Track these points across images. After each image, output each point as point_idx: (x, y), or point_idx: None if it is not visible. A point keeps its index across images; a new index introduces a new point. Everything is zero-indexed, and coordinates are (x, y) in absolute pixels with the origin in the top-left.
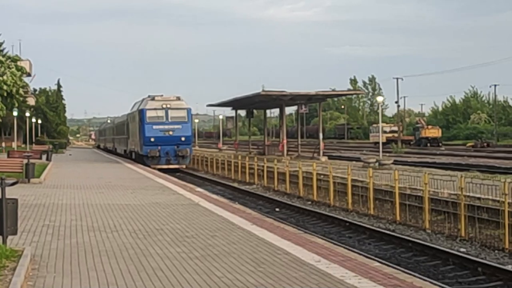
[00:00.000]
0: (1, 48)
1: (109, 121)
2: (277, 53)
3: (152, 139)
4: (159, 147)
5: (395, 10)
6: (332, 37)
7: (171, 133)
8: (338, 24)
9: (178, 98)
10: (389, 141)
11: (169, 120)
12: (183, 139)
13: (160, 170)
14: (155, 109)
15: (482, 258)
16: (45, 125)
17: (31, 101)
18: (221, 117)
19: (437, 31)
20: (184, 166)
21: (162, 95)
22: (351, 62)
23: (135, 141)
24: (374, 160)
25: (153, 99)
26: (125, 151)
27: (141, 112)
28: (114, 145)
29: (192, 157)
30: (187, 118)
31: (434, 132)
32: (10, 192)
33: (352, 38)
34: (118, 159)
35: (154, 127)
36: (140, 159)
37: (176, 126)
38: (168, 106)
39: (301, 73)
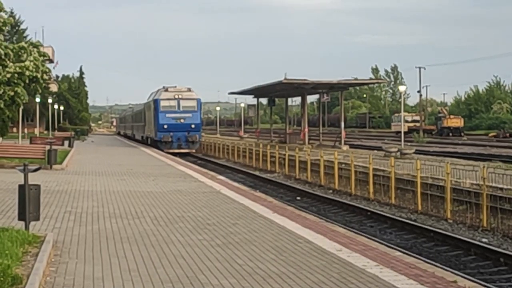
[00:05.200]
0: (24, 35)
1: (130, 107)
2: (297, 41)
3: (165, 126)
4: (172, 133)
5: None
6: (352, 26)
7: (182, 120)
8: (358, 13)
9: (189, 89)
10: (411, 130)
11: (181, 109)
12: (193, 126)
13: (172, 153)
14: (168, 99)
15: (504, 249)
16: (67, 111)
17: (54, 87)
18: (242, 105)
19: (459, 20)
20: (193, 150)
21: (175, 86)
22: (372, 51)
23: (150, 128)
24: (396, 149)
25: (166, 90)
26: (142, 137)
27: (156, 102)
28: (133, 131)
29: (214, 144)
30: (196, 107)
31: (456, 121)
32: (33, 178)
33: (372, 26)
34: (138, 145)
35: (167, 115)
36: (155, 144)
37: (187, 115)
38: (180, 96)
39: (322, 61)
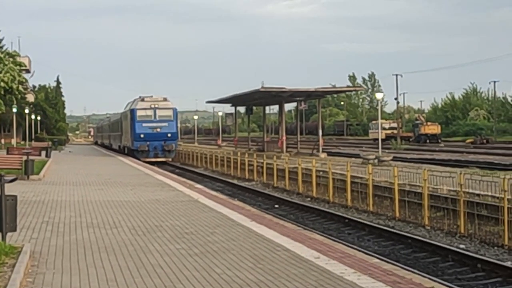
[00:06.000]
0: (0, 45)
1: (107, 117)
2: (275, 49)
3: (142, 135)
4: (148, 143)
5: (392, 6)
6: (330, 34)
7: (158, 130)
8: (336, 21)
9: (165, 99)
10: (388, 137)
11: (157, 119)
12: (169, 135)
13: (148, 162)
14: (144, 108)
15: (481, 255)
16: (45, 121)
17: (31, 97)
18: (220, 113)
19: (436, 28)
20: (170, 159)
21: (151, 96)
22: (349, 59)
23: (127, 137)
24: (374, 156)
25: (143, 100)
26: (119, 146)
27: (132, 112)
28: (110, 141)
29: (192, 153)
30: (173, 116)
31: (433, 128)
32: (9, 189)
33: (350, 34)
34: (115, 154)
35: (144, 124)
36: (131, 153)
37: (163, 124)
38: (156, 106)
39: (300, 69)
